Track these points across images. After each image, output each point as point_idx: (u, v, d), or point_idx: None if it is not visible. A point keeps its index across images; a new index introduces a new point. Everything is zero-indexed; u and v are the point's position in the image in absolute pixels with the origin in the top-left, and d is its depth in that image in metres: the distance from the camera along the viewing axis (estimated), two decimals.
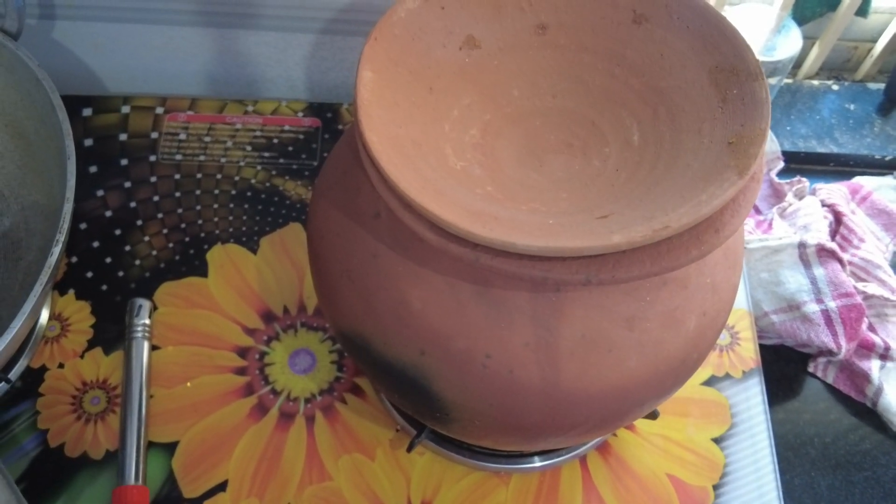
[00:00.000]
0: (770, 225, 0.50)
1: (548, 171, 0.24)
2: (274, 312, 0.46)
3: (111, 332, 0.44)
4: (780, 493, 0.39)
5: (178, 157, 0.51)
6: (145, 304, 0.43)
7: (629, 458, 0.41)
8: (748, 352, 0.44)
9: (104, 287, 0.45)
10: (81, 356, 0.43)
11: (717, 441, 0.41)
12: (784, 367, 0.47)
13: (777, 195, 0.54)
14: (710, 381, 0.43)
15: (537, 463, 0.40)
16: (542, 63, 0.26)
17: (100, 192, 0.49)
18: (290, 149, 0.52)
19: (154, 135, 0.51)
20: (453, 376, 0.24)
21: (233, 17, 0.49)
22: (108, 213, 0.48)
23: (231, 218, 0.49)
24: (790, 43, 0.54)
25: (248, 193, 0.50)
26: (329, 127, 0.53)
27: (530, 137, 0.25)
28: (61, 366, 0.43)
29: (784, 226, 0.49)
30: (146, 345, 0.42)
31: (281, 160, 0.51)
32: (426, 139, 0.24)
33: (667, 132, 0.23)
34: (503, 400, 0.24)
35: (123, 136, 0.51)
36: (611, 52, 0.25)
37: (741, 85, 0.22)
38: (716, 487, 0.40)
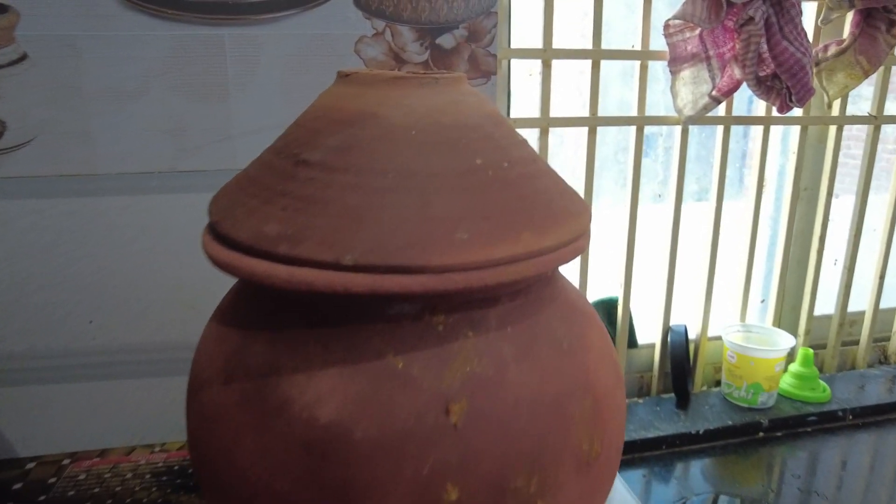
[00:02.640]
0: None
1: None
2: None
3: None
4: None
5: (71, 492, 0.50)
6: None
7: None
8: None
9: None
10: None
11: None
12: None
13: None
14: None
15: None
16: None
17: None
18: (191, 470, 0.52)
19: (52, 479, 0.51)
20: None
21: (145, 365, 0.58)
22: None
23: None
24: None
25: None
26: None
27: None
28: None
29: None
30: None
31: (178, 480, 0.51)
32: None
33: None
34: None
35: (18, 485, 0.50)
36: None
37: None
38: None
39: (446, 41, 0.54)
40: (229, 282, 0.29)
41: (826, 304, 0.90)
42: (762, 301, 0.90)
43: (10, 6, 0.48)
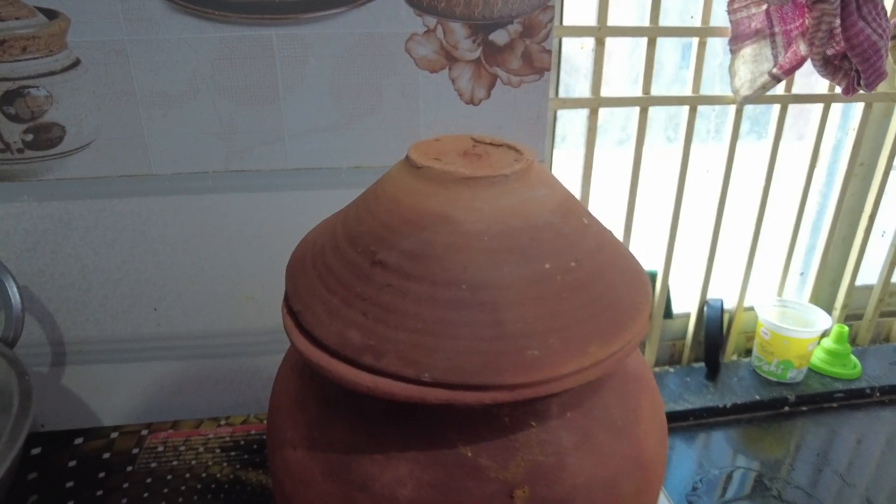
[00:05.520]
0: None
1: None
2: None
3: None
4: None
5: (154, 464, 0.55)
6: None
7: None
8: None
9: None
10: None
11: None
12: None
13: None
14: None
15: None
16: None
17: (70, 503, 0.51)
18: (255, 446, 0.57)
19: (136, 450, 0.57)
20: None
21: (208, 349, 0.62)
22: None
23: None
24: None
25: (212, 486, 0.53)
26: None
27: None
28: None
29: None
30: None
31: (245, 455, 0.56)
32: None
33: None
34: None
35: (107, 455, 0.57)
36: None
37: None
38: None
39: (500, 37, 0.52)
40: (282, 275, 0.30)
41: (867, 276, 0.89)
42: (801, 274, 0.90)
43: (60, 12, 0.47)
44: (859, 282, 0.88)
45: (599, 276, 0.27)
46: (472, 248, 0.26)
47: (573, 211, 0.29)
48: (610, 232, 0.32)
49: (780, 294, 0.87)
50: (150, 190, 0.54)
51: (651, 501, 0.31)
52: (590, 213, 0.31)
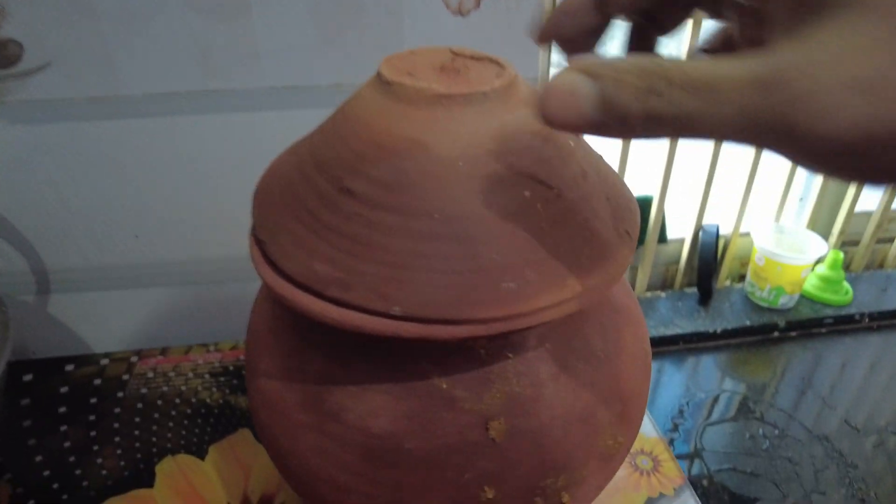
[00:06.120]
0: None
1: None
2: None
3: None
4: None
5: (144, 390, 0.56)
6: None
7: None
8: (672, 471, 0.44)
9: None
10: None
11: None
12: None
13: None
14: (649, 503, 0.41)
15: None
16: None
17: (63, 428, 0.52)
18: (244, 372, 0.57)
19: (126, 377, 0.58)
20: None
21: (194, 275, 0.61)
22: (67, 444, 0.51)
23: (184, 433, 0.51)
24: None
25: (202, 410, 0.54)
26: None
27: None
28: None
29: None
30: None
31: (234, 381, 0.57)
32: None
33: None
34: None
35: (98, 381, 0.57)
36: None
37: None
38: None
39: None
40: None
41: (866, 202, 0.87)
42: (801, 199, 0.88)
43: None
44: (859, 208, 0.87)
45: (583, 204, 0.26)
46: (445, 176, 0.24)
47: (558, 133, 0.27)
48: (599, 156, 0.30)
49: (777, 220, 0.86)
50: (120, 112, 0.51)
51: (632, 431, 0.31)
52: (579, 135, 0.29)
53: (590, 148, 0.29)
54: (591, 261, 0.25)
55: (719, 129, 0.16)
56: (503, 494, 0.27)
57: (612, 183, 0.28)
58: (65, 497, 0.46)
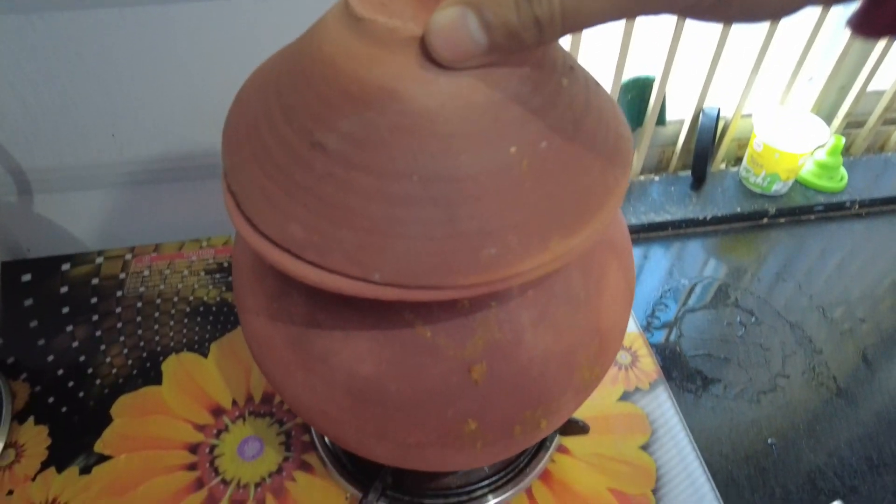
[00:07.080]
0: None
1: None
2: (223, 407, 0.48)
3: (66, 451, 0.46)
4: (713, 485, 0.38)
5: (142, 289, 0.57)
6: None
7: (570, 480, 0.41)
8: (648, 366, 0.46)
9: (63, 409, 0.49)
10: (33, 478, 0.45)
11: (644, 449, 0.41)
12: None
13: None
14: (625, 397, 0.44)
15: (491, 501, 0.40)
16: None
17: (69, 328, 0.54)
18: None
19: (122, 276, 0.59)
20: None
21: (178, 172, 0.60)
22: (75, 344, 0.53)
23: (185, 331, 0.54)
24: None
25: (201, 308, 0.56)
26: None
27: None
28: (10, 493, 0.44)
29: None
30: None
31: (229, 278, 0.58)
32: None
33: None
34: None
35: (95, 280, 0.58)
36: None
37: None
38: (655, 492, 0.39)
39: None
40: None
41: (879, 82, 0.83)
42: (810, 79, 0.84)
43: None
44: (871, 88, 0.82)
45: (573, 156, 0.24)
46: (423, 133, 0.22)
47: (550, 73, 0.25)
48: (595, 90, 0.28)
49: (783, 102, 0.82)
50: (77, 2, 0.46)
51: (608, 360, 0.32)
52: (573, 69, 0.26)
53: (585, 81, 0.27)
54: (575, 218, 0.24)
55: (607, 8, 0.17)
56: (485, 426, 0.29)
57: (605, 123, 0.27)
58: (81, 394, 0.50)
